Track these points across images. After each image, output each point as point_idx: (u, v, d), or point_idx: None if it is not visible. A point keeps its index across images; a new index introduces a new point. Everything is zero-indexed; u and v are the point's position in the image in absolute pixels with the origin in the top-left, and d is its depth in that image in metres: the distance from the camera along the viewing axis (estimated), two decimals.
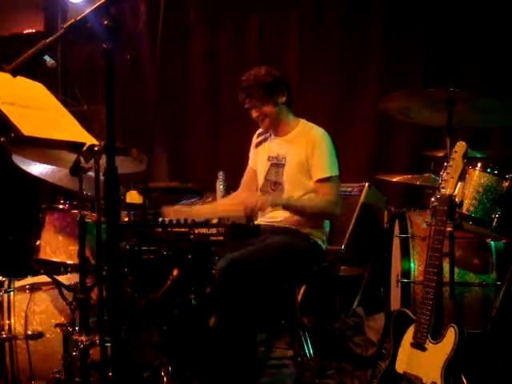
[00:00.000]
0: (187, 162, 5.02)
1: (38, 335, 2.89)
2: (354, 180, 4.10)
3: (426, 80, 4.18)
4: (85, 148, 2.03)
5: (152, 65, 4.89)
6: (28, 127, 2.13)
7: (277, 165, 3.20)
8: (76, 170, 2.45)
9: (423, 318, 2.48)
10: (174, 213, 3.10)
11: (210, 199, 3.55)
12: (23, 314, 2.91)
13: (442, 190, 2.56)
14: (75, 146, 2.10)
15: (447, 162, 2.60)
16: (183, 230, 2.47)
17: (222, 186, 4.09)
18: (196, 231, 2.45)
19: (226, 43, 4.86)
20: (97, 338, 2.52)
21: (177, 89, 4.89)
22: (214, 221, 2.49)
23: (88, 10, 1.77)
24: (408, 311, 2.59)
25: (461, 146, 2.57)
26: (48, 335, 2.91)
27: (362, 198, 3.99)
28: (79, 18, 1.70)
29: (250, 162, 3.40)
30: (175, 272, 2.48)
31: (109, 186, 1.62)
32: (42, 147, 2.25)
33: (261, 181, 3.27)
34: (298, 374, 3.37)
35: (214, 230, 2.43)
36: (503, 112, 2.85)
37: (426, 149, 3.80)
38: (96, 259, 2.69)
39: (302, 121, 3.22)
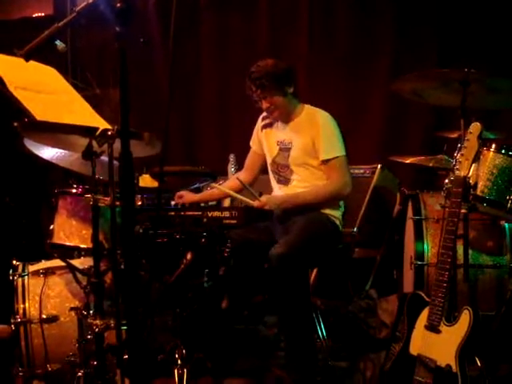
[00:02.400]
0: (198, 145, 5.01)
1: (52, 319, 2.91)
2: (367, 162, 4.08)
3: (439, 63, 4.13)
4: (98, 132, 2.02)
5: (162, 48, 4.85)
6: (40, 112, 2.12)
7: (284, 149, 3.26)
8: (89, 154, 2.45)
9: (437, 301, 2.47)
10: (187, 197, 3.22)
11: (221, 182, 3.54)
12: (37, 298, 2.93)
13: (457, 172, 2.54)
14: (88, 131, 2.09)
15: (461, 144, 2.58)
16: (196, 213, 2.47)
17: (233, 169, 4.09)
18: (209, 214, 2.44)
19: (235, 27, 4.81)
20: (111, 321, 2.55)
21: (186, 73, 4.86)
22: (226, 204, 2.48)
23: None
24: (422, 294, 2.58)
25: (476, 127, 2.54)
26: (62, 319, 2.93)
27: (375, 179, 3.96)
28: (91, 1, 1.68)
29: (253, 145, 3.45)
30: (189, 256, 2.48)
31: (124, 170, 1.61)
32: (55, 132, 2.24)
33: (269, 162, 3.33)
34: None
35: (227, 214, 2.43)
36: None
37: (439, 130, 3.78)
38: (110, 243, 2.69)
39: (307, 106, 3.26)
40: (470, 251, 2.97)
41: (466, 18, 4.16)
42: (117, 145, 2.32)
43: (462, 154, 2.55)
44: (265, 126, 3.38)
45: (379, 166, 3.97)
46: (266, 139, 3.36)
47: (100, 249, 2.65)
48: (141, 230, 2.54)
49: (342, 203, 3.27)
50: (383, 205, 4.00)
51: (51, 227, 2.80)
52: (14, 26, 4.96)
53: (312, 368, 2.93)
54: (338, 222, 3.21)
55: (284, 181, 3.26)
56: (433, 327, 2.46)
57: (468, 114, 2.89)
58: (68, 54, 4.80)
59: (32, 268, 3.02)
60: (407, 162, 3.58)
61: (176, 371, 2.92)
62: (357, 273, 4.01)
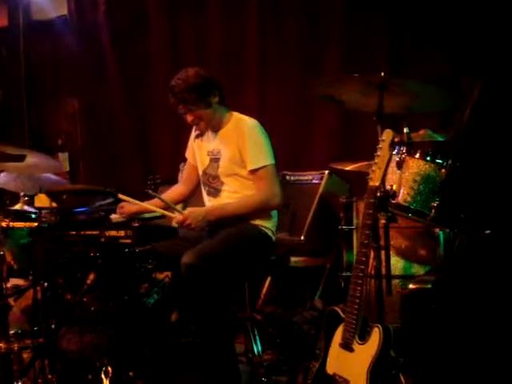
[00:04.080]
0: (153, 153, 4.94)
1: None
2: (320, 168, 3.98)
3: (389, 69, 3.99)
4: None
5: (113, 57, 4.79)
6: None
7: (214, 159, 3.16)
8: None
9: (350, 317, 2.37)
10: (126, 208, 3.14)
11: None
12: None
13: (370, 182, 2.44)
14: None
15: (375, 152, 2.47)
16: (94, 232, 2.39)
17: None
18: (106, 234, 2.37)
19: (185, 29, 4.73)
20: (15, 345, 2.49)
21: (138, 78, 4.80)
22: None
23: None
24: (339, 310, 2.48)
25: (388, 135, 2.42)
26: None
27: (322, 186, 3.85)
28: None
29: (188, 157, 3.37)
30: (91, 276, 2.41)
31: None
32: None
33: (201, 174, 3.24)
34: (251, 371, 3.29)
35: (122, 233, 2.35)
36: (433, 96, 2.69)
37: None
38: (19, 263, 2.63)
39: (235, 114, 3.15)
40: (402, 261, 2.87)
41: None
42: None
43: (375, 163, 2.44)
44: (197, 136, 3.29)
45: (326, 172, 3.86)
46: (198, 150, 3.27)
47: (8, 270, 2.61)
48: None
49: (274, 213, 3.16)
50: (332, 212, 3.88)
51: None
52: None
53: (234, 379, 2.86)
54: (269, 233, 3.11)
55: (214, 192, 3.17)
56: (347, 345, 2.36)
57: (386, 119, 2.79)
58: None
59: None
60: (347, 168, 3.47)
61: None
62: (306, 282, 3.92)
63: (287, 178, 4.03)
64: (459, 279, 2.37)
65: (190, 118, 3.09)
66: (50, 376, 2.87)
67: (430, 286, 2.34)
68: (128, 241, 2.35)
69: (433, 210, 2.61)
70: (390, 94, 2.62)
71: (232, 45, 4.59)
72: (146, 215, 3.25)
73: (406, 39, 4.06)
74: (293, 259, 3.78)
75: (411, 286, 2.33)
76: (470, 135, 2.21)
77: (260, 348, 3.21)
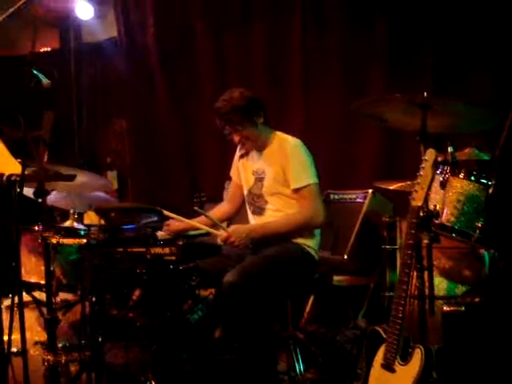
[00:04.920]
0: (200, 171, 5.02)
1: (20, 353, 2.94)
2: (364, 187, 3.97)
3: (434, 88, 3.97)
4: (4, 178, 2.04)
5: (161, 78, 4.91)
6: None
7: (259, 179, 3.20)
8: (39, 194, 2.49)
9: (392, 338, 2.36)
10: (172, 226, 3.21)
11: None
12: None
13: (412, 202, 2.43)
14: None
15: (418, 172, 2.47)
16: (140, 249, 2.46)
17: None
18: (152, 251, 2.43)
19: (231, 48, 4.81)
20: (63, 357, 2.56)
21: (185, 97, 4.90)
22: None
23: None
24: (380, 330, 2.47)
25: (430, 154, 2.43)
26: (32, 352, 2.96)
27: (366, 205, 3.83)
28: None
29: (233, 176, 3.43)
30: (137, 292, 2.46)
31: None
32: None
33: (246, 193, 3.29)
34: None
35: (167, 250, 2.41)
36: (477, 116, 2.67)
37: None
38: (68, 279, 2.71)
39: (278, 134, 3.20)
40: (446, 282, 2.84)
41: (461, 40, 3.97)
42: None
43: (418, 183, 2.43)
44: (241, 156, 3.34)
45: (370, 191, 3.84)
46: (243, 169, 3.33)
47: (57, 284, 2.70)
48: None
49: (317, 232, 3.18)
50: (376, 231, 3.87)
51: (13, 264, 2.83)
52: (22, 61, 5.10)
53: None
54: (312, 252, 3.13)
55: (259, 211, 3.21)
56: (388, 366, 2.35)
57: (449, 136, 2.77)
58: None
59: (6, 302, 3.07)
60: (390, 188, 3.45)
61: None
62: (350, 301, 3.90)
63: (331, 196, 4.03)
64: (495, 302, 2.33)
65: (236, 138, 3.15)
66: None
67: (463, 308, 2.30)
68: (172, 258, 2.40)
69: (477, 231, 2.58)
70: (434, 113, 2.61)
71: (276, 65, 4.64)
72: (192, 232, 3.31)
73: (451, 59, 4.03)
74: (336, 278, 3.78)
75: (445, 308, 2.30)
76: (506, 155, 2.18)
77: (302, 367, 3.21)
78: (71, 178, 2.41)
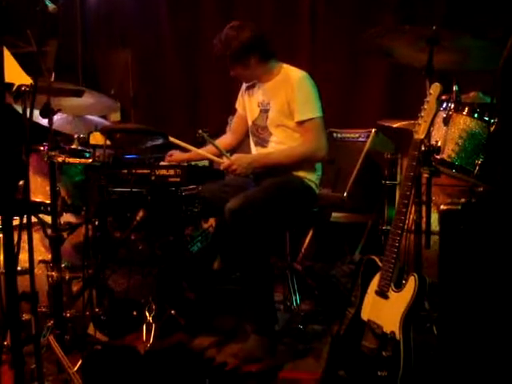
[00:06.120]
0: (201, 107, 5.03)
1: (25, 271, 3.01)
2: (369, 126, 3.98)
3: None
4: (14, 88, 2.04)
5: (165, 8, 4.87)
6: None
7: (263, 110, 3.22)
8: (46, 112, 2.50)
9: (387, 266, 2.42)
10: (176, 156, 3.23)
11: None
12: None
13: (414, 135, 2.45)
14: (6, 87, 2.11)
15: (422, 105, 2.48)
16: (145, 171, 2.48)
17: None
18: (156, 172, 2.45)
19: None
20: (67, 274, 2.63)
21: (188, 34, 4.89)
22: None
23: None
24: (376, 258, 2.53)
25: (435, 88, 2.44)
26: (36, 271, 3.03)
27: (368, 144, 3.84)
28: None
29: (238, 107, 3.44)
30: (140, 213, 2.51)
31: None
32: None
33: (250, 124, 3.31)
34: (288, 318, 3.38)
35: (171, 172, 2.44)
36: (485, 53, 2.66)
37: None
38: (72, 199, 2.75)
39: (285, 66, 3.19)
40: None
41: None
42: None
43: (421, 116, 2.45)
44: (248, 88, 3.35)
45: (373, 130, 3.85)
46: (248, 101, 3.34)
47: (62, 205, 2.74)
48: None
49: (318, 167, 3.22)
50: (377, 170, 3.90)
51: (20, 183, 2.87)
52: None
53: (270, 321, 2.95)
54: (313, 185, 3.18)
55: (262, 143, 3.24)
56: (382, 293, 2.42)
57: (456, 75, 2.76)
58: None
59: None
60: (394, 126, 3.46)
61: (145, 327, 3.00)
62: (349, 237, 3.97)
63: (334, 135, 4.04)
64: (491, 202, 2.36)
65: (232, 73, 3.17)
66: (97, 310, 3.04)
67: (459, 207, 2.33)
68: (177, 179, 2.44)
69: (477, 167, 2.61)
70: (441, 48, 2.60)
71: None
72: (193, 164, 3.35)
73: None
74: (334, 215, 3.83)
75: (442, 207, 2.34)
76: (502, 90, 2.16)
77: (298, 298, 3.30)
78: (79, 93, 2.41)
